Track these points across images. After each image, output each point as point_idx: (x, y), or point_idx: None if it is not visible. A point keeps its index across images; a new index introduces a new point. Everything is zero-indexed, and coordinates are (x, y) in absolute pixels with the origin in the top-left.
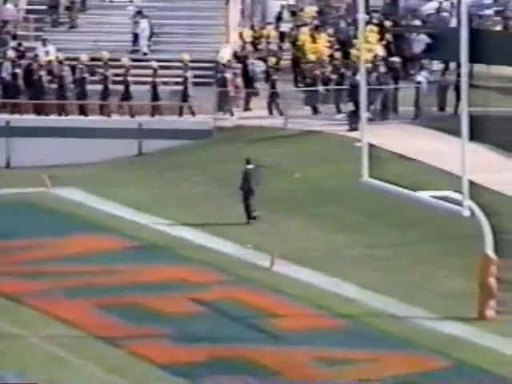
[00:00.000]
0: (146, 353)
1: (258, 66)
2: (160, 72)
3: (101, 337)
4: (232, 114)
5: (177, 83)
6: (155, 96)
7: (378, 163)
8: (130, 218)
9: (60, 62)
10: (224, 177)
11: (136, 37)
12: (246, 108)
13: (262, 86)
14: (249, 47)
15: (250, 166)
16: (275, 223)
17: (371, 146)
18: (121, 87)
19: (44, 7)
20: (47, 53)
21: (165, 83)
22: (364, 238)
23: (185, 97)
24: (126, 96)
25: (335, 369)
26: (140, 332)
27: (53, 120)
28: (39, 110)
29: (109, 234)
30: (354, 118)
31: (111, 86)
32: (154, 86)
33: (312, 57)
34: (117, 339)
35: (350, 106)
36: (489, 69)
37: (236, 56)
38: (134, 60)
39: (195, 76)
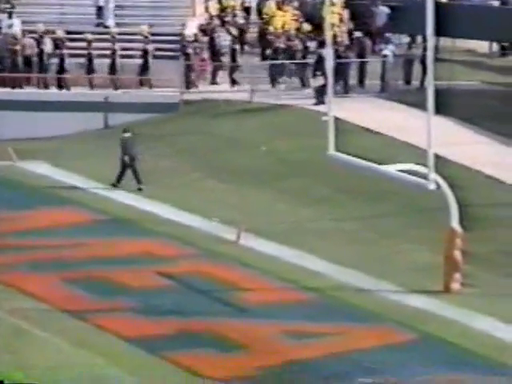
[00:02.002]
0: (112, 326)
1: (224, 40)
2: (124, 45)
3: (67, 310)
4: (196, 87)
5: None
6: (114, 67)
7: (345, 137)
8: (97, 192)
9: (24, 35)
10: (190, 150)
11: (100, 9)
12: (213, 82)
13: (228, 60)
14: (215, 20)
15: (127, 135)
16: (242, 197)
17: (337, 119)
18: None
19: None
20: (11, 26)
21: (129, 56)
22: (331, 211)
23: (145, 70)
24: (89, 69)
25: (302, 342)
26: (107, 305)
27: (18, 93)
28: (3, 83)
29: (75, 208)
30: (320, 92)
31: (75, 60)
32: (113, 59)
33: (279, 29)
34: (83, 313)
35: (318, 81)
36: (454, 42)
37: (202, 29)
38: (98, 33)
39: (162, 49)
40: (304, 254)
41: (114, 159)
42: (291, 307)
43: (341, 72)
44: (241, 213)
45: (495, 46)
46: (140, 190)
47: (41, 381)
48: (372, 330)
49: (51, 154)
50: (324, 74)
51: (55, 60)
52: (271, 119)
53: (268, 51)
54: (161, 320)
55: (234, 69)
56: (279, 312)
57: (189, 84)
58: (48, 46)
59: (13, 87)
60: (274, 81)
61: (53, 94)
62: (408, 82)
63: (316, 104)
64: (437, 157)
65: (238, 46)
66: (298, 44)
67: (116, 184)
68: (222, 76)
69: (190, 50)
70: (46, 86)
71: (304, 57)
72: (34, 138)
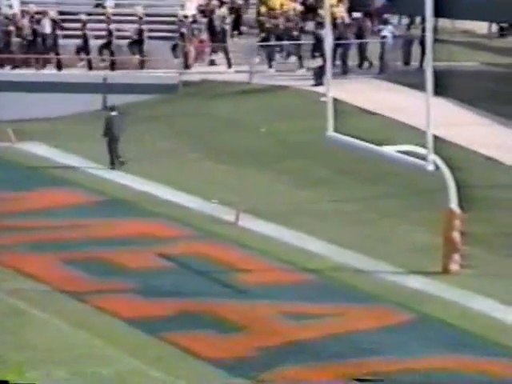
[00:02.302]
0: (111, 307)
1: (224, 21)
2: (123, 26)
3: (66, 291)
4: (189, 68)
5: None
6: (109, 48)
7: (344, 118)
8: (95, 173)
9: (23, 16)
10: (189, 131)
11: None
12: (212, 63)
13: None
14: (214, 1)
15: (114, 113)
16: (241, 178)
17: (336, 100)
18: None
19: None
20: (10, 6)
21: (126, 38)
22: (329, 192)
23: (140, 51)
24: (85, 50)
25: (300, 323)
26: (105, 286)
27: (17, 74)
28: (3, 64)
29: (73, 189)
30: (319, 73)
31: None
32: (109, 40)
33: (278, 9)
34: (82, 294)
35: (316, 61)
36: (453, 23)
37: (201, 10)
38: (95, 14)
39: (160, 30)
40: (303, 235)
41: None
42: (290, 288)
43: (339, 53)
44: (240, 194)
45: (494, 27)
46: (112, 168)
47: (40, 361)
48: (371, 310)
49: (49, 135)
50: (322, 55)
51: (54, 41)
52: (270, 100)
53: (264, 33)
54: (160, 301)
55: (226, 49)
56: (278, 293)
57: (187, 65)
58: (47, 27)
59: (13, 67)
60: (270, 61)
61: (51, 74)
62: (407, 63)
63: (315, 85)
64: (436, 138)
65: (228, 27)
66: (297, 25)
67: (114, 164)
68: (222, 57)
69: (183, 31)
70: (45, 67)
71: (298, 38)
72: (32, 119)
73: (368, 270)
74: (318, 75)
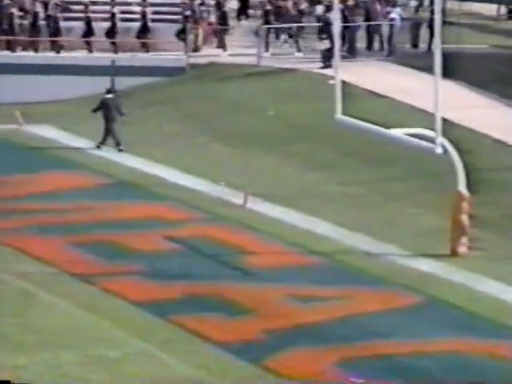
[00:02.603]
0: (119, 290)
1: (232, 4)
2: (130, 8)
3: (74, 274)
4: (197, 51)
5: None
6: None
7: (352, 101)
8: (103, 155)
9: None
10: (197, 114)
11: None
12: (220, 45)
13: (235, 23)
14: None
15: (109, 96)
16: (248, 161)
17: (345, 83)
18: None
19: None
20: None
21: (130, 20)
22: (337, 175)
23: (143, 33)
24: (89, 33)
25: (308, 305)
26: (113, 269)
27: (26, 57)
28: (11, 47)
29: (81, 171)
30: (327, 56)
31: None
32: (113, 23)
33: None
34: (90, 276)
35: (324, 44)
36: (462, 6)
37: None
38: None
39: (169, 13)
40: (311, 217)
41: (119, 122)
42: (298, 271)
43: (347, 36)
44: (247, 177)
45: (503, 9)
46: (98, 147)
47: (48, 343)
48: (379, 293)
49: (57, 117)
50: (330, 38)
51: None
52: (278, 83)
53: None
54: (168, 283)
55: (225, 31)
56: (286, 276)
57: (196, 48)
58: (50, 9)
59: (17, 50)
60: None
61: (58, 57)
62: (415, 45)
63: (323, 67)
64: (444, 120)
65: (227, 9)
66: (305, 7)
67: (119, 147)
68: (229, 40)
69: (186, 13)
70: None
71: (297, 20)
72: (39, 101)
73: (376, 253)
74: (326, 58)
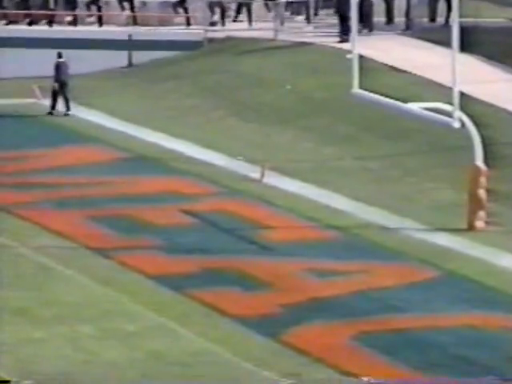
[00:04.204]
0: (136, 264)
1: None
2: None
3: (91, 248)
4: (223, 25)
5: None
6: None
7: (369, 75)
8: (120, 130)
9: None
10: (214, 88)
11: None
12: (237, 19)
13: None
14: None
15: (62, 60)
16: (266, 135)
17: (362, 57)
18: None
19: None
20: None
21: None
22: (354, 149)
23: (179, 7)
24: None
25: (326, 280)
26: (131, 243)
27: (43, 31)
28: (29, 21)
29: (99, 146)
30: (344, 29)
31: None
32: None
33: None
34: (107, 250)
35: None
36: None
37: None
38: None
39: None
40: (328, 192)
41: (138, 97)
42: (315, 245)
43: (364, 10)
44: (265, 151)
45: None
46: (67, 115)
47: (66, 317)
48: (396, 267)
49: (75, 91)
50: (347, 12)
51: None
52: (295, 57)
53: None
54: (185, 258)
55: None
56: (303, 250)
57: (213, 22)
58: None
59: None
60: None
61: (78, 31)
62: (433, 19)
63: (340, 42)
64: (462, 94)
65: None
66: None
67: (52, 111)
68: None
69: None
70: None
71: None
72: None
73: (393, 227)
74: (344, 32)
